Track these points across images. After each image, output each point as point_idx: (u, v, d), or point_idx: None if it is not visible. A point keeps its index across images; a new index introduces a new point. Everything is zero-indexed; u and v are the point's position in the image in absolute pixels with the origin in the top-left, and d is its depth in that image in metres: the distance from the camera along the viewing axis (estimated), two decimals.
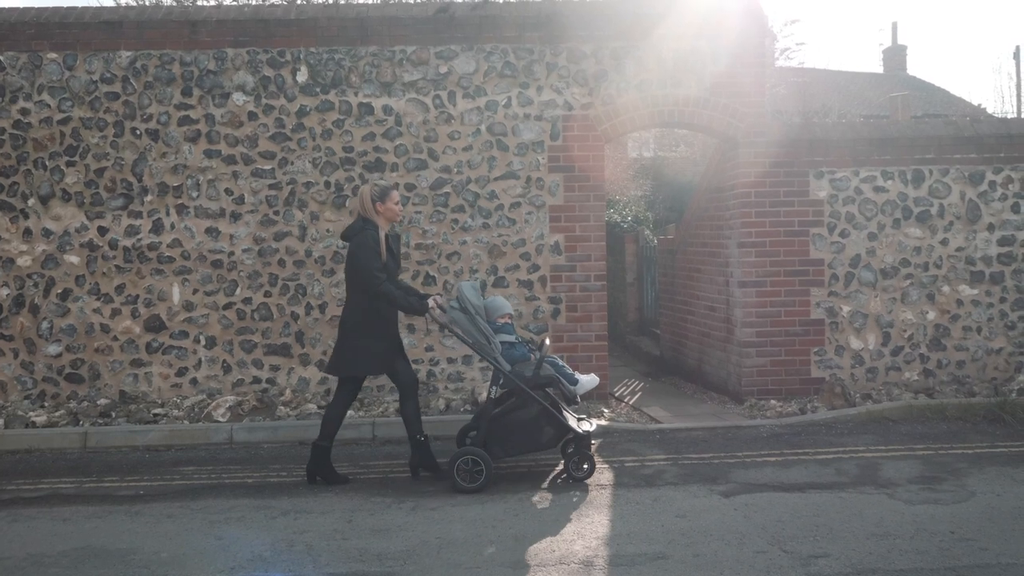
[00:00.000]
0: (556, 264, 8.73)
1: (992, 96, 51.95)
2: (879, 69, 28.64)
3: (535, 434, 6.18)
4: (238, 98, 8.61)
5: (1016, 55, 21.07)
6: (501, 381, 6.18)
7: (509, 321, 6.53)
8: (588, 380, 6.44)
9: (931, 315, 8.94)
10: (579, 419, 6.46)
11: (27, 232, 8.57)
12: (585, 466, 6.21)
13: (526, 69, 8.71)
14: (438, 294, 7.44)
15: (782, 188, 8.78)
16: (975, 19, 65.84)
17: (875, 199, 8.87)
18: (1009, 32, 58.67)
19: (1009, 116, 21.46)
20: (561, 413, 6.25)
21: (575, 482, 6.16)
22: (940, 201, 8.93)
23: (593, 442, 6.42)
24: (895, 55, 27.95)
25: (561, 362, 6.55)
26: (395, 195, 6.37)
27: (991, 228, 8.96)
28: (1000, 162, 8.96)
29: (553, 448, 6.38)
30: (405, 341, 8.66)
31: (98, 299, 8.59)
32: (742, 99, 8.78)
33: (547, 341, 6.53)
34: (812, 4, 59.05)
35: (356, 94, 8.65)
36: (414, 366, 8.63)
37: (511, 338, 6.42)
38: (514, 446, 6.22)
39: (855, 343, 8.87)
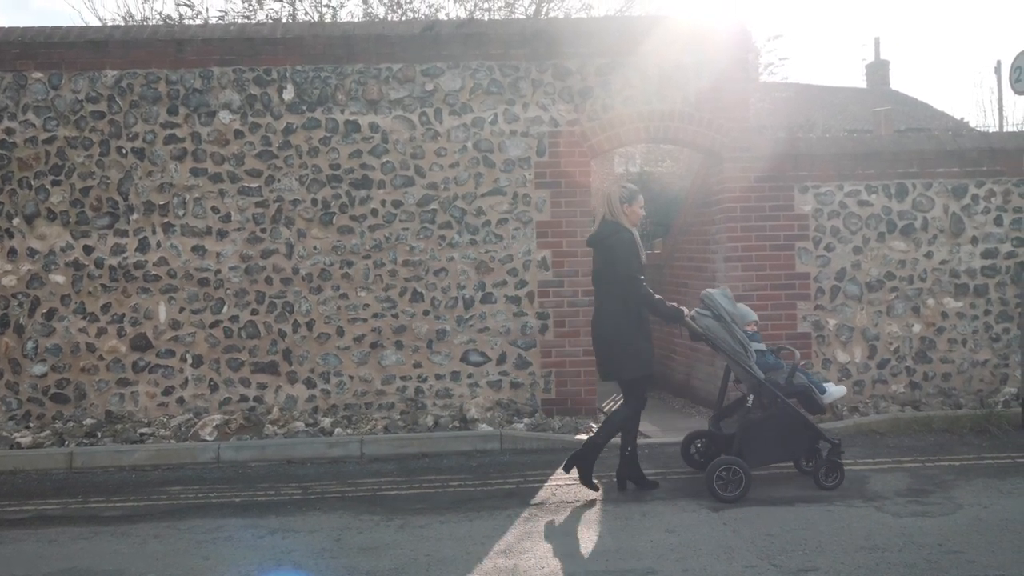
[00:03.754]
0: (544, 280, 8.74)
1: (974, 110, 52.58)
2: (862, 84, 28.86)
3: (789, 443, 6.18)
4: (224, 116, 8.61)
5: (997, 70, 21.19)
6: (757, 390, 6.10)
7: (755, 329, 6.45)
8: (836, 390, 6.43)
9: (917, 328, 8.99)
10: None
11: (12, 252, 8.53)
12: (836, 475, 6.14)
13: (512, 86, 8.75)
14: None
15: (767, 202, 8.83)
16: (957, 34, 66.60)
17: (859, 213, 8.93)
18: (991, 47, 59.33)
19: (991, 130, 21.59)
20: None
21: (824, 491, 6.08)
22: (924, 215, 9.00)
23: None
24: (878, 70, 28.18)
25: (808, 371, 6.48)
26: (641, 199, 6.30)
27: (974, 241, 9.03)
28: (982, 176, 9.03)
29: (803, 456, 6.35)
30: (392, 359, 8.68)
31: (84, 318, 8.54)
32: (727, 114, 8.83)
33: (796, 351, 6.39)
34: (795, 20, 59.62)
35: (342, 112, 8.67)
36: (402, 383, 8.67)
37: (761, 346, 6.35)
38: (768, 454, 6.20)
39: (842, 356, 8.91)
